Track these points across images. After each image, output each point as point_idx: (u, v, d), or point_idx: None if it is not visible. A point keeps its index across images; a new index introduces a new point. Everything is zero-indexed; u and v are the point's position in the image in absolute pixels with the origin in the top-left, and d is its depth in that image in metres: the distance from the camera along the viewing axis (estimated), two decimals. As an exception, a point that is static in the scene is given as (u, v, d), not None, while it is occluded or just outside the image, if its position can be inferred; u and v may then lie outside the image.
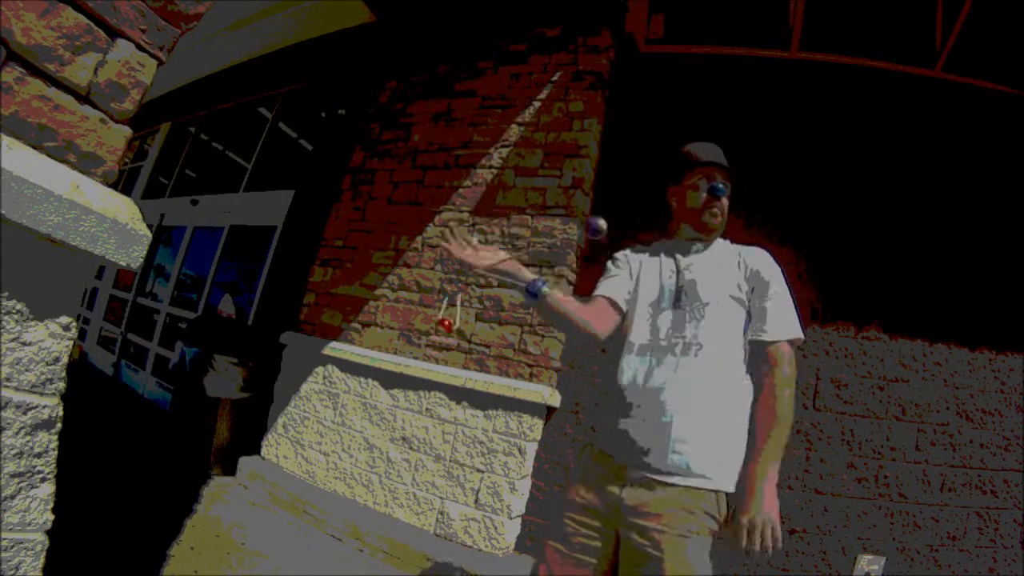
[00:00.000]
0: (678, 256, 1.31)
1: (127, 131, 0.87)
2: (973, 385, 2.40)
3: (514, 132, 3.01)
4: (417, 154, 3.28)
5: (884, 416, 2.38)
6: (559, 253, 2.70)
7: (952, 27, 2.73)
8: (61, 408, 0.78)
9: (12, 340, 0.71)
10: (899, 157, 2.62)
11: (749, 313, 1.23)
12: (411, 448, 2.72)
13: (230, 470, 3.12)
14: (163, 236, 5.60)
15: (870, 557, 2.28)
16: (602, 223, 1.19)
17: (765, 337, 1.19)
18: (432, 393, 2.73)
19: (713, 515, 1.10)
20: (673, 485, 1.10)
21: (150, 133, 6.68)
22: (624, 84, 3.04)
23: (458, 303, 1.35)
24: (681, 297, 1.24)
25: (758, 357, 1.20)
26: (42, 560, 0.76)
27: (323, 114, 4.78)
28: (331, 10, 4.12)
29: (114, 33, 0.82)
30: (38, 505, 0.75)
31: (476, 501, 2.51)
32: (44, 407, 0.75)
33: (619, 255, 1.40)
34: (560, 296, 1.21)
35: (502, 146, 3.02)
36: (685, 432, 1.11)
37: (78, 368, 5.05)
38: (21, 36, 0.72)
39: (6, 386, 0.71)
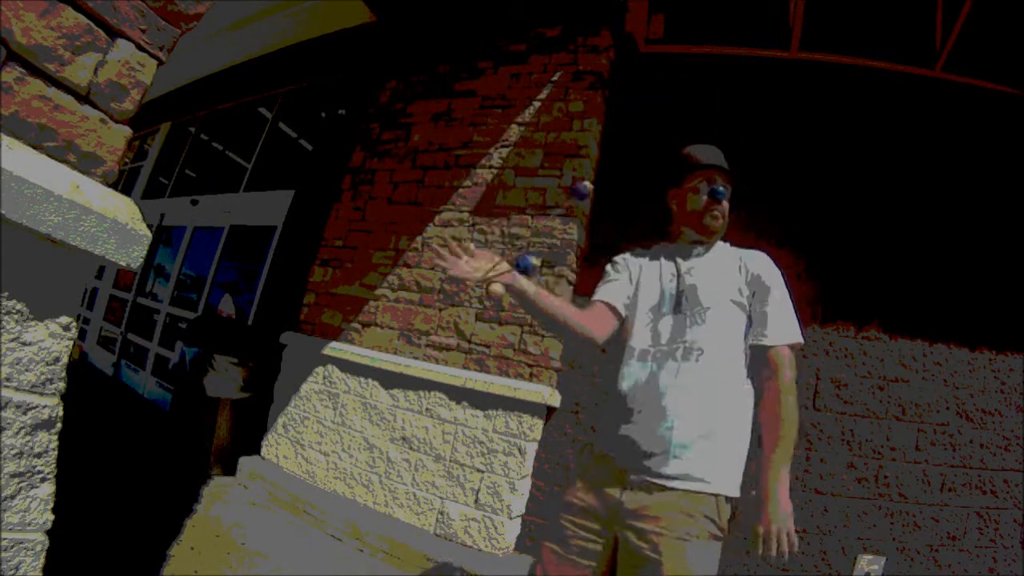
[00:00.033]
0: (678, 260, 1.31)
1: (127, 131, 0.87)
2: (973, 385, 2.40)
3: (514, 132, 3.01)
4: (417, 154, 3.28)
5: (884, 416, 2.38)
6: (559, 253, 2.70)
7: (952, 27, 2.73)
8: (61, 408, 0.78)
9: (12, 340, 0.71)
10: (899, 157, 2.62)
11: (750, 317, 1.22)
12: (411, 448, 2.72)
13: (230, 470, 3.12)
14: (163, 236, 5.60)
15: (870, 557, 2.28)
16: (587, 184, 1.16)
17: (766, 341, 1.19)
18: (432, 393, 2.73)
19: (713, 519, 1.09)
20: (673, 489, 1.10)
21: (150, 133, 6.68)
22: (624, 84, 3.04)
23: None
24: (682, 301, 1.23)
25: (759, 361, 1.20)
26: (42, 560, 0.76)
27: (323, 114, 4.78)
28: (331, 10, 4.12)
29: (114, 33, 0.82)
30: (38, 505, 0.75)
31: (476, 501, 2.51)
32: (44, 407, 0.75)
33: (619, 259, 1.39)
34: (556, 300, 1.19)
35: (502, 146, 3.02)
36: (686, 437, 1.11)
37: (78, 368, 5.05)
38: (21, 36, 0.72)
39: (6, 386, 0.71)
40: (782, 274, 1.27)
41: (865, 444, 2.36)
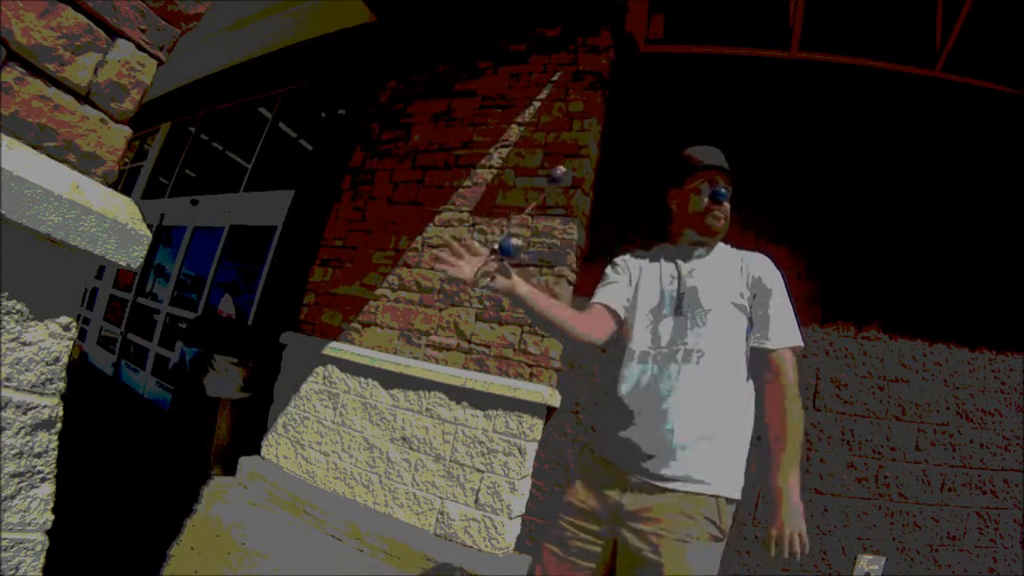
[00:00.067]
0: (679, 262, 1.30)
1: (127, 131, 0.87)
2: (973, 385, 2.40)
3: (514, 132, 3.01)
4: (417, 154, 3.28)
5: (884, 416, 2.38)
6: (559, 253, 2.70)
7: (952, 27, 2.73)
8: (61, 408, 0.78)
9: (12, 340, 0.71)
10: (899, 157, 2.62)
11: (750, 320, 1.22)
12: (411, 448, 2.72)
13: (230, 470, 3.12)
14: (163, 236, 5.60)
15: (870, 557, 2.28)
16: (562, 169, 1.16)
17: (768, 345, 1.18)
18: (432, 393, 2.73)
19: (713, 520, 1.09)
20: (673, 491, 1.10)
21: (150, 133, 6.68)
22: (624, 84, 3.04)
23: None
24: (683, 303, 1.23)
25: (761, 364, 1.20)
26: (42, 560, 0.76)
27: (323, 114, 4.78)
28: (331, 10, 4.12)
29: (114, 33, 0.82)
30: (38, 505, 0.75)
31: (476, 501, 2.51)
32: (44, 407, 0.75)
33: (618, 260, 1.39)
34: (553, 302, 1.19)
35: (502, 146, 3.02)
36: (687, 438, 1.11)
37: (78, 368, 5.05)
38: (21, 36, 0.72)
39: (6, 386, 0.71)
40: (783, 277, 1.27)
41: (865, 444, 2.36)
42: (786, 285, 1.26)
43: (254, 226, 4.53)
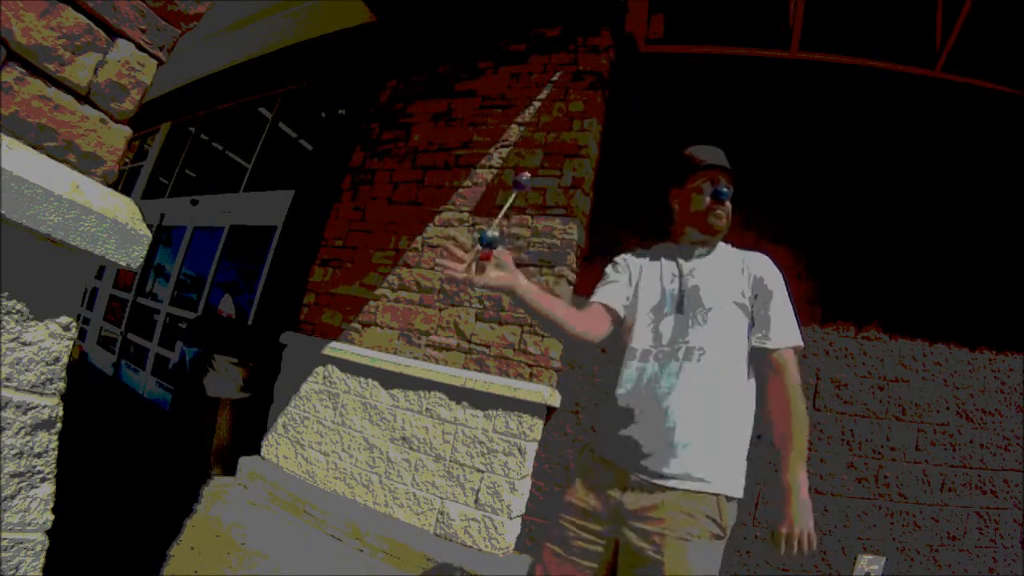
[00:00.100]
0: (680, 260, 1.31)
1: (127, 131, 0.87)
2: (973, 385, 2.40)
3: (514, 132, 3.01)
4: (417, 154, 3.28)
5: (884, 416, 2.38)
6: (559, 253, 2.70)
7: (952, 27, 2.73)
8: (61, 408, 0.78)
9: (12, 340, 0.71)
10: (899, 157, 2.62)
11: (752, 319, 1.23)
12: (411, 448, 2.72)
13: (230, 470, 3.12)
14: (163, 236, 5.60)
15: (870, 557, 2.28)
16: (527, 176, 1.12)
17: (770, 344, 1.19)
18: (432, 393, 2.73)
19: (714, 518, 1.09)
20: (674, 489, 1.10)
21: (150, 133, 6.68)
22: (624, 84, 3.04)
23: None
24: (684, 302, 1.23)
25: (762, 364, 1.20)
26: (42, 560, 0.76)
27: (323, 114, 4.78)
28: (331, 10, 4.12)
29: (114, 33, 0.82)
30: (38, 505, 0.75)
31: (476, 501, 2.51)
32: (44, 407, 0.75)
33: (619, 259, 1.39)
34: (552, 300, 1.18)
35: (502, 146, 3.02)
36: (688, 437, 1.11)
37: (78, 368, 5.05)
38: (21, 36, 0.72)
39: (6, 386, 0.71)
40: (783, 277, 1.27)
41: (865, 444, 2.37)
42: (786, 285, 1.26)
43: (254, 226, 4.53)
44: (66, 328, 0.78)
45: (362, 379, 2.95)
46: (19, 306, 0.72)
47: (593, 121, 2.86)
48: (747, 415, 1.20)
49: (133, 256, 0.80)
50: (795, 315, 1.23)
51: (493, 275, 1.03)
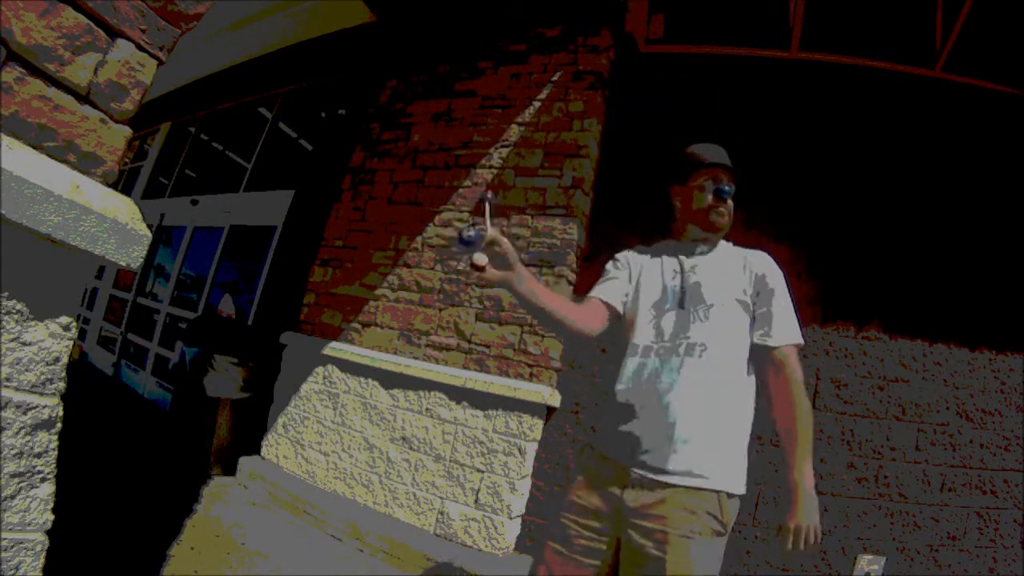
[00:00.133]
0: (682, 257, 1.31)
1: (127, 131, 0.87)
2: (973, 385, 2.40)
3: (514, 132, 3.01)
4: (417, 154, 3.28)
5: (884, 416, 2.38)
6: (559, 253, 2.70)
7: (952, 27, 2.73)
8: (61, 408, 0.78)
9: (12, 340, 0.71)
10: (899, 157, 2.62)
11: (753, 317, 1.23)
12: (411, 448, 2.72)
13: (230, 470, 3.12)
14: (163, 236, 5.60)
15: (870, 557, 2.28)
16: (471, 231, 0.97)
17: (771, 342, 1.19)
18: (432, 393, 2.73)
19: (715, 515, 1.09)
20: (674, 485, 1.10)
21: (150, 133, 6.68)
22: (624, 84, 3.04)
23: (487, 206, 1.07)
24: (685, 298, 1.23)
25: (764, 361, 1.21)
26: (42, 560, 0.76)
27: (323, 114, 4.78)
28: (331, 10, 4.12)
29: (114, 33, 0.82)
30: (38, 505, 0.75)
31: (476, 501, 2.51)
32: (44, 407, 0.75)
33: (620, 256, 1.39)
34: (550, 294, 1.18)
35: (502, 146, 3.02)
36: (689, 433, 1.11)
37: (78, 368, 5.05)
38: (21, 36, 0.72)
39: (6, 386, 0.71)
40: (784, 275, 1.27)
41: (865, 444, 2.36)
42: (787, 283, 1.26)
43: (254, 226, 4.53)
44: (66, 328, 0.78)
45: (362, 379, 2.95)
46: (19, 306, 0.72)
47: (593, 121, 2.86)
48: (747, 412, 1.20)
49: (133, 256, 0.80)
50: (796, 313, 1.24)
51: (493, 272, 1.01)
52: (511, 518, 2.46)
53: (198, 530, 2.37)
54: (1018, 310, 2.43)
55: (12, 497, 0.72)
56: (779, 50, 2.93)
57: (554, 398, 2.57)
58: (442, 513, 2.57)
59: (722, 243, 1.35)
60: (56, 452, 0.78)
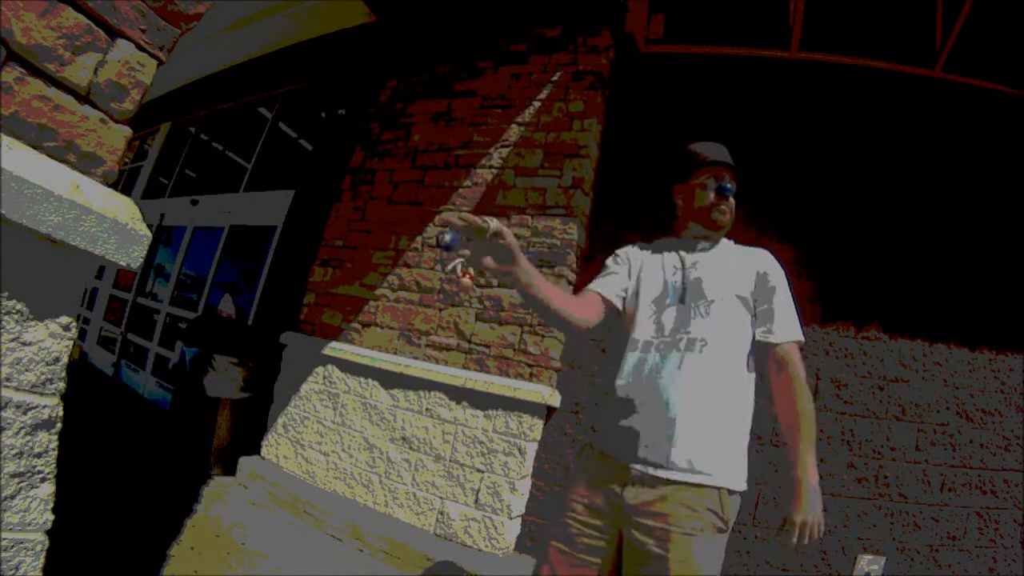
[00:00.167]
0: (683, 253, 1.32)
1: (127, 131, 0.87)
2: (973, 385, 2.40)
3: (514, 132, 3.01)
4: (417, 154, 3.28)
5: (884, 416, 2.38)
6: (559, 253, 2.70)
7: (952, 27, 2.73)
8: (61, 408, 0.78)
9: (12, 340, 0.71)
10: (899, 157, 2.63)
11: (754, 314, 1.23)
12: (411, 448, 2.72)
13: (230, 470, 3.12)
14: (163, 236, 5.60)
15: (870, 557, 2.28)
16: (447, 236, 0.97)
17: (774, 339, 1.20)
18: (432, 393, 2.73)
19: (717, 512, 1.09)
20: (675, 482, 1.10)
21: (150, 133, 6.68)
22: (624, 84, 3.04)
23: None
24: (686, 293, 1.24)
25: (767, 358, 1.21)
26: (42, 560, 0.76)
27: (323, 114, 4.78)
28: (331, 10, 4.12)
29: (114, 33, 0.82)
30: (38, 505, 0.75)
31: (476, 501, 2.51)
32: (44, 407, 0.75)
33: (620, 252, 1.40)
34: (547, 283, 1.17)
35: (502, 146, 3.03)
36: (689, 428, 1.11)
37: (78, 368, 5.05)
38: (21, 36, 0.72)
39: (6, 386, 0.71)
40: (785, 273, 1.28)
41: (865, 444, 2.36)
42: (788, 281, 1.27)
43: (254, 226, 4.53)
44: (66, 328, 0.78)
45: (362, 379, 2.95)
46: (19, 306, 0.72)
47: (593, 121, 2.86)
48: (748, 408, 1.20)
49: (133, 256, 0.80)
50: (797, 311, 1.24)
51: (496, 265, 1.00)
52: (511, 518, 2.46)
53: (198, 530, 2.37)
54: (1018, 310, 2.43)
55: (12, 497, 0.72)
56: (779, 50, 2.93)
57: (554, 398, 2.57)
58: (442, 513, 2.57)
59: (724, 241, 1.35)
60: (56, 452, 0.78)
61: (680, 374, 1.15)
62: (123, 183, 6.57)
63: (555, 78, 2.99)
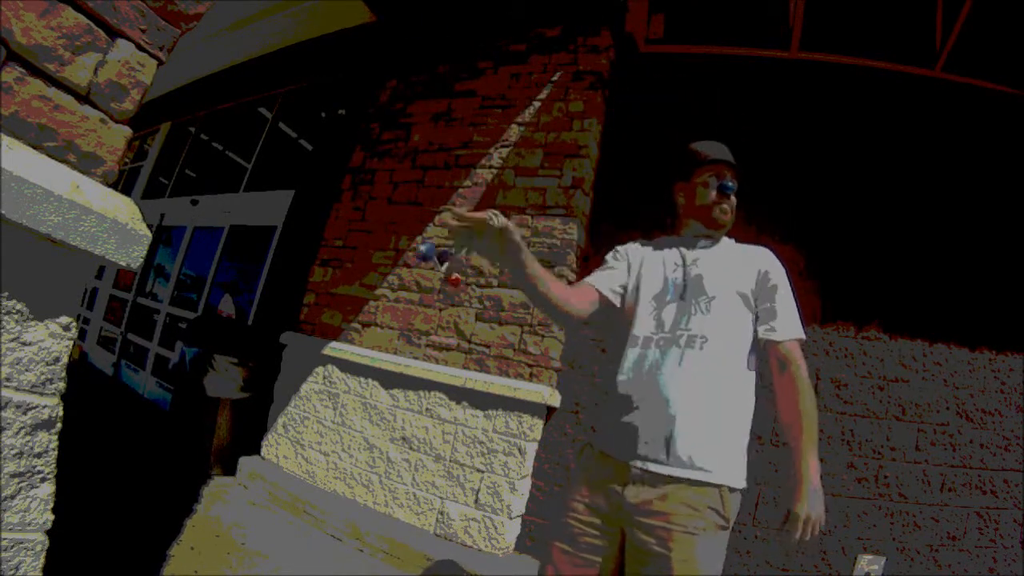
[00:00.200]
0: (683, 250, 1.32)
1: (127, 131, 0.87)
2: (973, 385, 2.40)
3: (514, 132, 3.01)
4: (417, 154, 3.28)
5: (884, 416, 2.38)
6: (559, 253, 2.70)
7: (952, 27, 2.73)
8: (61, 408, 0.78)
9: (12, 340, 0.71)
10: (899, 157, 2.63)
11: (756, 312, 1.23)
12: (411, 448, 2.72)
13: (230, 470, 3.12)
14: (163, 236, 5.60)
15: (870, 557, 2.28)
16: (424, 248, 0.98)
17: (776, 336, 1.20)
18: (432, 393, 2.73)
19: (717, 510, 1.09)
20: (675, 479, 1.10)
21: (150, 133, 6.68)
22: (624, 84, 3.04)
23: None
24: (687, 290, 1.24)
25: (769, 356, 1.21)
26: (42, 560, 0.76)
27: (323, 114, 4.78)
28: (331, 10, 4.12)
29: (114, 33, 0.82)
30: (38, 505, 0.75)
31: (476, 501, 2.51)
32: (44, 407, 0.75)
33: (620, 248, 1.40)
34: (543, 269, 1.18)
35: (502, 146, 3.03)
36: (689, 424, 1.11)
37: (78, 368, 5.05)
38: (21, 36, 0.72)
39: (6, 386, 0.71)
40: (786, 271, 1.28)
41: (865, 444, 2.36)
42: (789, 280, 1.27)
43: (254, 226, 4.53)
44: (66, 328, 0.78)
45: (362, 379, 2.95)
46: (19, 306, 0.72)
47: (593, 121, 2.86)
48: (748, 406, 1.20)
49: (133, 256, 0.80)
50: (798, 309, 1.24)
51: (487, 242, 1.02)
52: (511, 518, 2.46)
53: (198, 530, 2.37)
54: (1018, 310, 2.43)
55: (12, 497, 0.72)
56: (779, 50, 2.93)
57: (554, 398, 2.57)
58: (442, 513, 2.57)
59: (725, 239, 1.36)
60: (56, 452, 0.78)
61: (680, 370, 1.15)
62: (123, 183, 6.57)
63: (555, 78, 2.99)
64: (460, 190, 3.07)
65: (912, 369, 2.41)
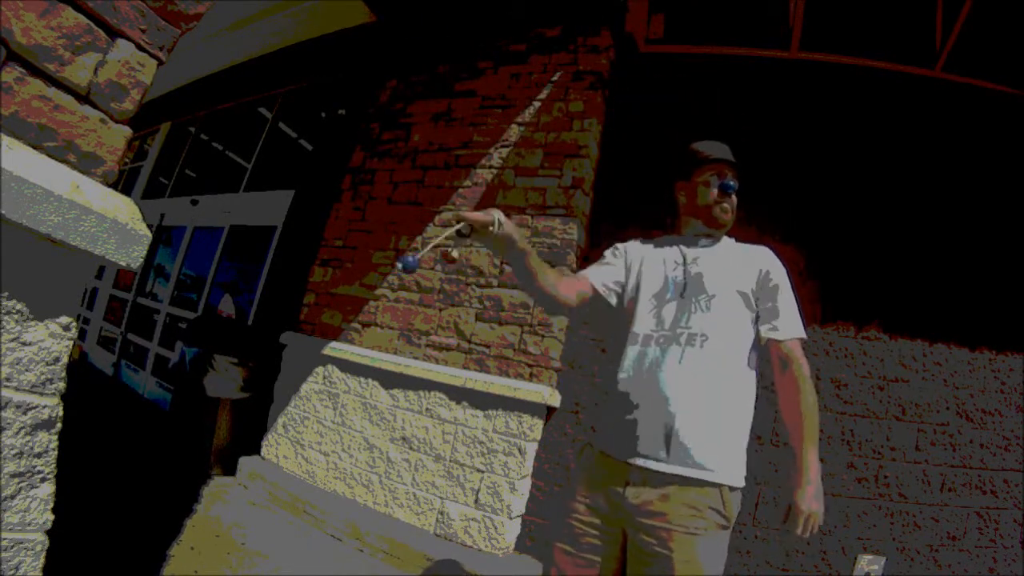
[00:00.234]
0: (684, 248, 1.32)
1: (127, 131, 0.87)
2: (973, 385, 2.40)
3: (514, 132, 3.01)
4: (417, 154, 3.28)
5: (884, 416, 2.38)
6: (559, 253, 2.70)
7: (952, 27, 2.73)
8: (61, 408, 0.78)
9: (12, 340, 0.71)
10: (899, 157, 2.63)
11: (756, 311, 1.23)
12: (411, 448, 2.72)
13: (230, 470, 3.12)
14: (163, 236, 5.60)
15: (870, 557, 2.28)
16: (411, 258, 0.99)
17: (777, 335, 1.20)
18: (432, 393, 2.73)
19: (718, 509, 1.09)
20: (676, 477, 1.10)
21: (150, 133, 6.68)
22: (624, 84, 3.04)
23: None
24: (687, 288, 1.24)
25: (770, 356, 1.21)
26: (42, 560, 0.76)
27: (323, 114, 4.78)
28: (331, 10, 4.12)
29: (114, 33, 0.82)
30: (38, 505, 0.75)
31: (476, 501, 2.51)
32: (44, 407, 0.75)
33: (620, 246, 1.40)
34: (538, 258, 1.19)
35: (502, 146, 3.03)
36: (689, 422, 1.11)
37: (78, 368, 5.05)
38: (21, 36, 0.72)
39: (6, 386, 0.71)
40: (787, 271, 1.28)
41: (865, 444, 2.36)
42: (790, 279, 1.27)
43: (254, 226, 4.53)
44: (66, 328, 0.78)
45: (362, 379, 2.95)
46: (19, 306, 0.72)
47: (593, 121, 2.86)
48: (748, 405, 1.20)
49: (133, 256, 0.80)
50: (799, 308, 1.25)
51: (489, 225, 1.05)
52: (511, 518, 2.46)
53: (198, 530, 2.37)
54: (1018, 310, 2.43)
55: (12, 497, 0.72)
56: (779, 50, 2.93)
57: (554, 398, 2.57)
58: (442, 513, 2.57)
59: (725, 238, 1.36)
60: (56, 452, 0.78)
61: (681, 368, 1.15)
62: (123, 183, 6.57)
63: (555, 78, 2.99)
64: (460, 190, 3.07)
65: (912, 369, 2.41)
